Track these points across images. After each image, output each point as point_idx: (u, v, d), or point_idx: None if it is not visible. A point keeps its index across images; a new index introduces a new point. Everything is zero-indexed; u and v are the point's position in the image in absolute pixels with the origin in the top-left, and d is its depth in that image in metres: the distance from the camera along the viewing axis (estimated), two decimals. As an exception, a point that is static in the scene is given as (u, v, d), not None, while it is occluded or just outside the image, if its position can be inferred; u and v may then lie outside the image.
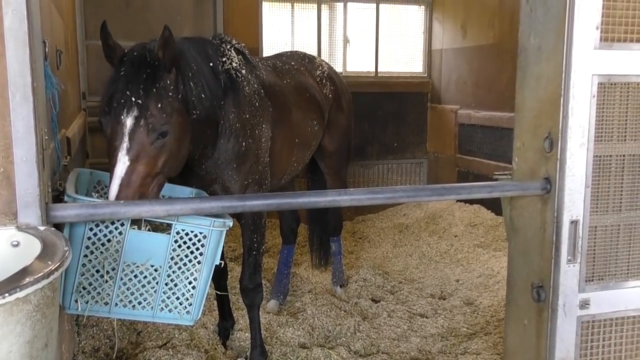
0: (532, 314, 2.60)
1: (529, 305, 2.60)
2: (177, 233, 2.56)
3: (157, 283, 2.57)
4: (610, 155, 2.47)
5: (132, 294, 2.55)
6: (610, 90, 2.43)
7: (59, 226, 2.18)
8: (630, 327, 2.58)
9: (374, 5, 7.83)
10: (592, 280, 2.52)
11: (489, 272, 5.48)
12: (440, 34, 7.97)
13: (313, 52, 7.06)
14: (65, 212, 2.13)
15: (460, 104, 7.60)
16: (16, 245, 1.91)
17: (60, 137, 3.00)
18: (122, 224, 2.46)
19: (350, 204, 2.53)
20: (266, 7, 7.41)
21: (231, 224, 2.66)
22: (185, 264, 2.60)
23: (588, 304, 2.51)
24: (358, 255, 6.27)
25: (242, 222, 3.62)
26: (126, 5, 6.57)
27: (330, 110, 4.69)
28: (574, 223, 2.45)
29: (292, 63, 4.50)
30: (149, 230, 2.54)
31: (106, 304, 2.53)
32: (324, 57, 7.42)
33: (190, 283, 2.62)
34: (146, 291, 2.57)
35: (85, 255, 2.45)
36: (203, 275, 2.63)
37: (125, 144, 2.51)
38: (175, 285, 2.61)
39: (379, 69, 7.97)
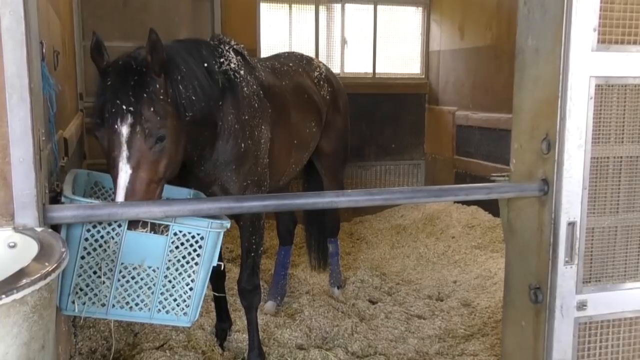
0: (529, 315, 2.60)
1: (527, 307, 2.60)
2: (175, 234, 2.55)
3: (154, 284, 2.57)
4: (608, 157, 2.47)
5: (130, 295, 2.55)
6: (607, 92, 2.43)
7: (56, 227, 2.17)
8: (627, 329, 2.58)
9: (371, 7, 7.84)
10: (590, 281, 2.52)
11: (486, 274, 5.49)
12: (438, 36, 7.98)
13: (311, 53, 7.07)
14: (63, 213, 2.12)
15: (458, 106, 7.60)
16: (13, 246, 1.91)
17: (57, 138, 3.00)
18: (120, 225, 2.45)
19: (348, 205, 2.53)
20: (264, 8, 7.41)
21: (229, 225, 2.65)
22: (182, 265, 2.60)
23: (585, 306, 2.51)
24: (355, 257, 6.27)
25: (240, 223, 3.62)
26: (123, 6, 6.56)
27: (328, 111, 4.70)
28: (572, 225, 2.45)
29: (290, 64, 4.50)
30: (146, 231, 2.53)
31: (103, 305, 2.53)
32: (322, 58, 7.43)
33: (187, 284, 2.62)
34: (143, 292, 2.56)
35: (83, 257, 2.45)
36: (200, 277, 2.63)
37: (124, 153, 2.49)
38: (173, 286, 2.60)
39: (377, 70, 7.98)
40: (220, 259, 2.74)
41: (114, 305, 2.54)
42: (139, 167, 2.50)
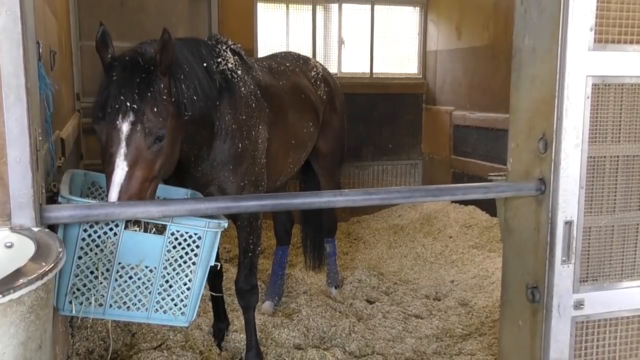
0: (526, 314, 2.60)
1: (524, 306, 2.61)
2: (172, 234, 2.55)
3: (151, 284, 2.56)
4: (605, 156, 2.48)
5: (127, 295, 2.54)
6: (604, 92, 2.43)
7: (53, 227, 2.17)
8: (624, 328, 2.59)
9: (368, 7, 7.85)
10: (587, 280, 2.53)
11: (483, 273, 5.50)
12: (435, 36, 7.98)
13: (308, 53, 7.07)
14: (60, 213, 2.12)
15: (455, 105, 7.61)
16: (10, 246, 1.90)
17: (54, 138, 2.99)
18: (117, 225, 2.45)
19: (345, 204, 2.53)
20: (261, 8, 7.40)
21: (226, 225, 2.65)
22: (180, 265, 2.59)
23: (582, 305, 2.51)
24: (353, 257, 6.28)
25: (237, 223, 3.62)
26: (120, 6, 6.56)
27: (325, 111, 4.70)
28: (569, 224, 2.45)
29: (287, 64, 4.50)
30: (143, 231, 2.53)
31: (100, 305, 2.52)
32: (319, 58, 7.43)
33: (185, 284, 2.62)
34: (141, 292, 2.56)
35: (80, 257, 2.44)
36: (198, 277, 2.63)
37: (122, 150, 2.47)
38: (170, 286, 2.60)
39: (374, 70, 7.99)
40: (217, 259, 2.74)
41: (111, 305, 2.54)
42: (135, 165, 2.49)
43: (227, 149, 3.35)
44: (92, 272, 2.48)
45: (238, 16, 7.11)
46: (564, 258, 2.47)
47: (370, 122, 7.92)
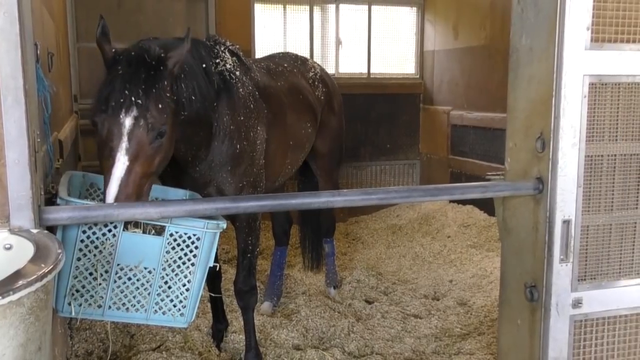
0: (525, 313, 2.61)
1: (522, 305, 2.61)
2: (171, 235, 2.55)
3: (150, 285, 2.56)
4: (602, 155, 2.48)
5: (126, 296, 2.54)
6: (601, 91, 2.44)
7: (51, 229, 2.17)
8: (622, 326, 2.59)
9: (366, 7, 7.85)
10: (585, 279, 2.53)
11: (482, 273, 5.50)
12: (432, 36, 7.99)
13: (305, 53, 7.07)
14: (58, 214, 2.12)
15: (453, 105, 7.62)
16: (9, 248, 1.90)
17: (52, 139, 2.99)
18: (115, 227, 2.45)
19: (344, 204, 2.53)
20: (258, 9, 7.41)
21: (225, 226, 2.65)
22: (179, 266, 2.60)
23: (581, 303, 2.52)
24: (351, 257, 6.28)
25: (236, 224, 3.62)
26: (118, 7, 6.55)
27: (323, 112, 4.70)
28: (566, 223, 2.46)
29: (285, 65, 4.50)
30: (142, 232, 2.53)
31: (99, 306, 2.52)
32: (317, 58, 7.43)
33: (184, 285, 2.62)
34: (140, 293, 2.56)
35: (79, 258, 2.44)
36: (197, 277, 2.63)
37: (124, 144, 2.45)
38: (169, 287, 2.60)
39: (372, 71, 7.99)
40: (216, 260, 2.74)
41: (110, 307, 2.54)
42: (136, 160, 2.47)
43: (225, 150, 3.35)
44: (91, 274, 2.48)
45: (235, 17, 7.11)
46: (562, 257, 2.47)
47: (368, 122, 7.93)
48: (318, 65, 4.99)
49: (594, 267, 2.54)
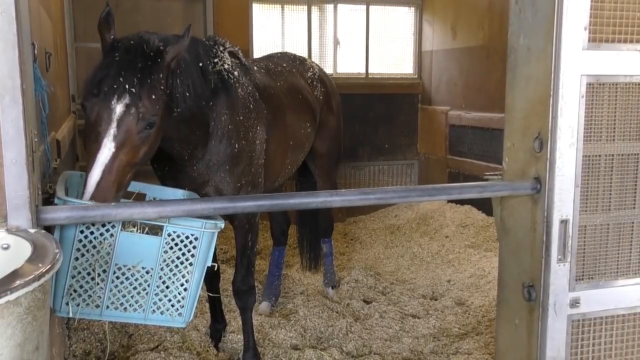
0: (523, 313, 2.61)
1: (520, 305, 2.62)
2: (169, 235, 2.55)
3: (148, 285, 2.56)
4: (599, 155, 2.49)
5: (124, 296, 2.54)
6: (598, 91, 2.45)
7: (49, 229, 2.17)
8: (620, 326, 2.60)
9: (364, 7, 7.85)
10: (582, 279, 2.54)
11: (480, 273, 5.51)
12: (430, 36, 8.00)
13: (303, 54, 7.07)
14: (56, 214, 2.12)
15: (451, 105, 7.63)
16: (6, 248, 1.90)
17: (50, 139, 2.99)
18: (113, 226, 2.45)
19: (342, 204, 2.53)
20: (256, 9, 7.40)
21: (223, 226, 2.65)
22: (177, 266, 2.60)
23: (578, 303, 2.52)
24: (350, 257, 6.28)
25: (235, 224, 3.62)
26: (116, 7, 6.52)
27: (321, 112, 4.70)
28: (564, 222, 2.46)
29: (284, 65, 4.51)
30: (140, 232, 2.53)
31: (97, 306, 2.52)
32: (315, 58, 7.43)
33: (182, 285, 2.62)
34: (138, 293, 2.56)
35: (76, 258, 2.44)
36: (195, 277, 2.63)
37: (112, 130, 2.44)
38: (167, 287, 2.60)
39: (370, 71, 7.99)
40: (214, 259, 2.74)
41: (108, 307, 2.54)
42: (122, 148, 2.46)
43: (223, 150, 3.35)
44: (89, 274, 2.47)
45: (233, 17, 7.11)
46: (559, 257, 2.48)
47: (366, 122, 7.93)
48: (316, 65, 5.00)
49: (591, 266, 2.55)
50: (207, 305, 4.29)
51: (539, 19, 2.44)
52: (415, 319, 4.60)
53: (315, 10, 7.71)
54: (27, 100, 1.97)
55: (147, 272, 2.55)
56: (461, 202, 7.11)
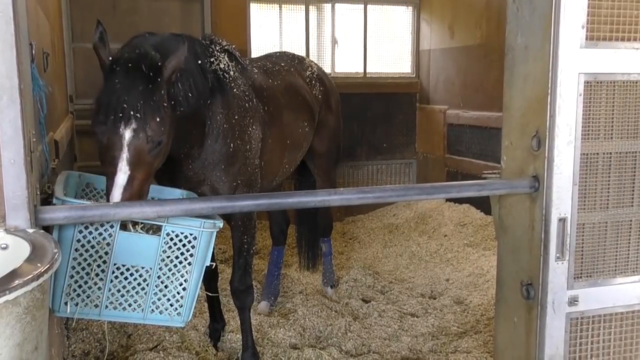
0: (521, 311, 2.61)
1: (519, 303, 2.62)
2: (167, 234, 2.55)
3: (147, 285, 2.56)
4: (597, 153, 2.49)
5: (123, 296, 2.54)
6: (596, 89, 2.45)
7: (48, 229, 2.16)
8: (618, 324, 2.60)
9: (361, 6, 7.85)
10: (581, 277, 2.54)
11: (478, 271, 5.51)
12: (428, 35, 8.00)
13: (301, 53, 7.06)
14: (54, 214, 2.11)
15: (449, 104, 7.63)
16: (5, 248, 1.90)
17: (48, 140, 2.99)
18: (112, 226, 2.45)
19: (341, 203, 2.54)
20: (254, 9, 7.40)
21: (221, 225, 2.65)
22: (175, 266, 2.60)
23: (577, 301, 2.53)
24: (348, 256, 6.28)
25: (231, 223, 3.62)
26: (113, 7, 6.54)
27: (320, 111, 4.70)
28: (562, 220, 2.47)
29: (282, 64, 4.50)
30: (138, 232, 2.53)
31: (96, 306, 2.52)
32: (312, 58, 7.41)
33: (181, 284, 2.61)
34: (136, 293, 2.56)
35: (75, 258, 2.44)
36: (194, 277, 2.63)
37: (124, 155, 2.50)
38: (166, 286, 2.60)
39: (368, 70, 8.00)
40: (213, 259, 2.74)
41: (107, 307, 2.53)
42: (136, 169, 2.52)
43: (218, 149, 3.36)
44: (87, 274, 2.47)
45: (231, 17, 7.10)
46: (558, 255, 2.48)
47: (364, 122, 7.93)
48: (315, 64, 4.99)
49: (589, 264, 2.55)
50: (206, 304, 4.29)
51: (536, 18, 2.45)
52: (414, 318, 4.60)
53: (313, 9, 7.71)
54: (25, 100, 1.97)
55: (146, 272, 2.55)
56: (459, 201, 7.12)
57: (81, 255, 2.44)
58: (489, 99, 6.66)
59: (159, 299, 2.60)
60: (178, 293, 2.62)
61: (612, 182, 2.53)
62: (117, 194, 2.46)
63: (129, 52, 2.68)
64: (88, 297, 2.50)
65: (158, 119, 2.57)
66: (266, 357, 3.91)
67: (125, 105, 2.51)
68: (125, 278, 2.53)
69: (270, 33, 7.54)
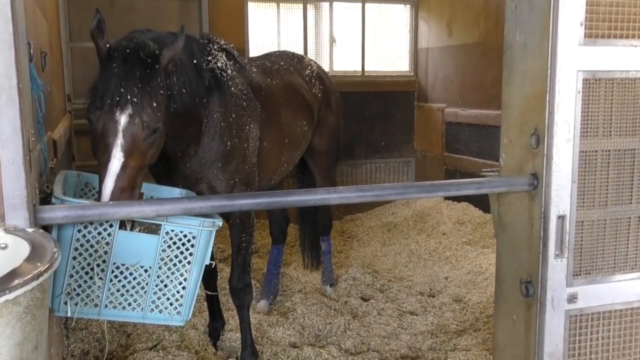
0: (520, 309, 2.62)
1: (518, 301, 2.62)
2: (167, 233, 2.55)
3: (147, 284, 2.56)
4: (596, 151, 2.49)
5: (122, 295, 2.54)
6: (595, 86, 2.45)
7: (47, 228, 2.16)
8: (617, 321, 2.61)
9: (359, 5, 7.85)
10: (580, 274, 2.54)
11: (477, 269, 5.52)
12: (426, 33, 8.00)
13: (299, 52, 7.06)
14: (54, 213, 2.11)
15: (447, 103, 7.63)
16: (4, 247, 1.90)
17: (46, 139, 2.98)
18: (111, 225, 2.45)
19: (340, 201, 2.54)
20: (252, 7, 7.40)
21: (221, 224, 2.66)
22: (175, 265, 2.60)
23: (576, 298, 2.53)
24: (347, 254, 6.29)
25: (230, 222, 3.62)
26: (111, 6, 6.53)
27: (320, 109, 4.70)
28: (561, 218, 2.47)
29: (281, 63, 4.50)
30: (138, 231, 2.53)
31: (96, 305, 2.52)
32: (310, 56, 7.41)
33: (180, 283, 2.62)
34: (136, 292, 2.56)
35: (74, 257, 2.44)
36: (193, 276, 2.63)
37: (119, 141, 2.48)
38: (165, 285, 2.60)
39: (366, 69, 8.00)
40: (212, 258, 2.74)
41: (106, 306, 2.53)
42: (131, 156, 2.50)
43: (215, 147, 3.36)
44: (86, 273, 2.48)
45: (229, 16, 7.10)
46: (557, 252, 2.48)
47: (363, 120, 7.93)
48: (315, 63, 5.00)
49: (589, 262, 2.55)
50: (205, 304, 4.29)
51: (534, 15, 2.45)
52: (413, 316, 4.61)
53: (310, 8, 7.70)
54: (24, 99, 1.97)
55: (146, 271, 2.55)
56: (458, 199, 7.12)
57: (80, 254, 2.44)
58: (487, 97, 6.66)
59: (159, 298, 2.60)
60: (177, 292, 2.62)
61: (610, 179, 2.53)
62: (109, 181, 2.43)
63: (127, 41, 2.69)
64: (87, 296, 2.50)
65: (155, 105, 2.56)
66: (265, 356, 3.91)
67: (122, 90, 2.50)
68: (125, 277, 2.53)
69: (268, 32, 7.54)
